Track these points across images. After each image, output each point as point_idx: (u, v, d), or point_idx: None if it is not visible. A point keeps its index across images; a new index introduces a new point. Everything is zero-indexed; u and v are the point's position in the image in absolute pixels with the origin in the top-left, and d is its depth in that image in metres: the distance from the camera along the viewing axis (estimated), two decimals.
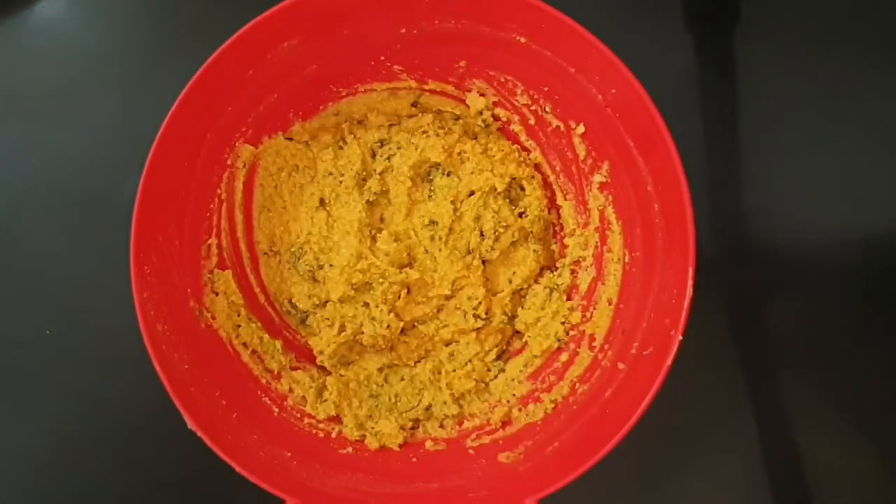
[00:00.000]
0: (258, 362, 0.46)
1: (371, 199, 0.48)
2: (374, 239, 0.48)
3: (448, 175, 0.48)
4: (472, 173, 0.47)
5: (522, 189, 0.49)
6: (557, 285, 0.48)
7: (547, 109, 0.46)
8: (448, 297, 0.48)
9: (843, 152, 0.51)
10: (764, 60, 0.52)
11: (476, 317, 0.48)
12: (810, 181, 0.51)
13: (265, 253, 0.49)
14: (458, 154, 0.47)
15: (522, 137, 0.48)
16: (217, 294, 0.46)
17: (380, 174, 0.48)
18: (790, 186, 0.51)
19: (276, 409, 0.46)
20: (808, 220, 0.51)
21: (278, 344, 0.47)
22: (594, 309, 0.46)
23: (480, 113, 0.48)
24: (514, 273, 0.48)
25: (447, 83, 0.47)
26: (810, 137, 0.51)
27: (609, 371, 0.43)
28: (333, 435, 0.46)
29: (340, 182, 0.48)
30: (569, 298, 0.48)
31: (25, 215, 0.52)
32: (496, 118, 0.48)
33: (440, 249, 0.47)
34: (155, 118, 0.40)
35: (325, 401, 0.47)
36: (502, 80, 0.46)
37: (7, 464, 0.49)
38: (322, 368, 0.48)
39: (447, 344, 0.48)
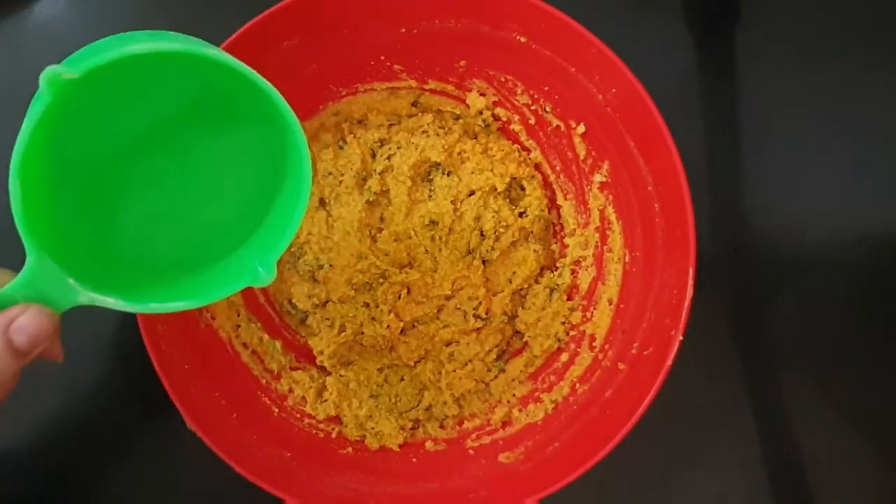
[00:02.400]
0: (258, 362, 0.46)
1: (371, 199, 0.48)
2: (374, 239, 0.48)
3: (448, 175, 0.48)
4: (472, 173, 0.47)
5: (522, 189, 0.49)
6: (558, 285, 0.48)
7: (547, 109, 0.46)
8: (448, 298, 0.48)
9: (843, 152, 0.51)
10: (764, 60, 0.52)
11: (476, 317, 0.48)
12: (810, 181, 0.51)
13: None
14: (459, 154, 0.47)
15: (522, 137, 0.48)
16: None
17: (380, 174, 0.48)
18: (790, 186, 0.51)
19: (276, 409, 0.46)
20: (808, 220, 0.51)
21: (278, 344, 0.47)
22: (594, 309, 0.46)
23: (480, 113, 0.48)
24: (514, 273, 0.48)
25: (447, 83, 0.47)
26: (810, 137, 0.51)
27: (609, 371, 0.43)
28: (333, 435, 0.46)
29: (340, 182, 0.48)
30: (569, 298, 0.48)
31: None
32: (496, 118, 0.48)
33: (440, 249, 0.47)
34: None
35: (325, 401, 0.47)
36: (502, 79, 0.46)
37: (4, 462, 0.49)
38: (322, 368, 0.48)
39: (447, 344, 0.48)
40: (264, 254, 0.32)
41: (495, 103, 0.48)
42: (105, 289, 0.29)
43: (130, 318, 0.40)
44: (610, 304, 0.45)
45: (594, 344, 0.45)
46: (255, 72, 0.29)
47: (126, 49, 0.26)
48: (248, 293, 0.47)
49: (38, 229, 0.28)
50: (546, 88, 0.45)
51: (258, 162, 0.34)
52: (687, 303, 0.38)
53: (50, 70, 0.25)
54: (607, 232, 0.46)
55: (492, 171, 0.47)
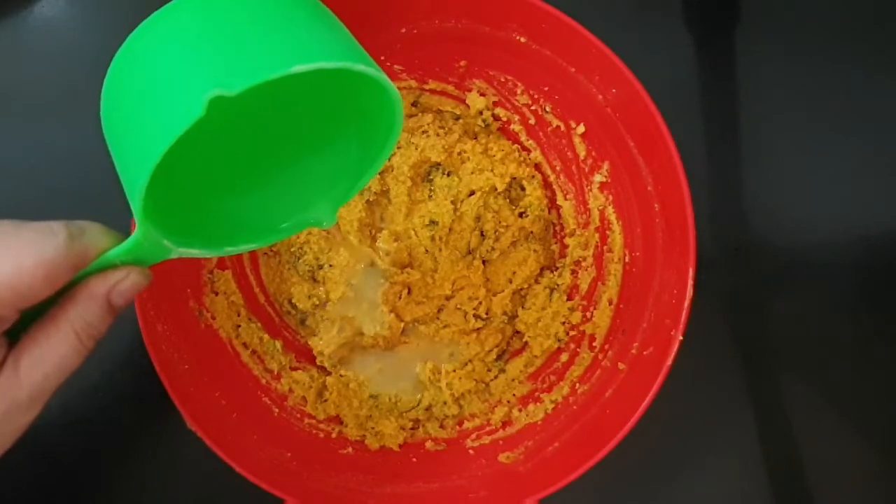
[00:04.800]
0: (258, 362, 0.46)
1: (371, 199, 0.48)
2: (374, 239, 0.48)
3: (448, 175, 0.48)
4: (472, 173, 0.47)
5: (523, 189, 0.49)
6: (558, 285, 0.48)
7: (547, 109, 0.46)
8: (448, 298, 0.48)
9: (843, 152, 0.51)
10: (764, 60, 0.52)
11: (476, 317, 0.48)
12: (810, 181, 0.51)
13: (265, 253, 0.49)
14: (459, 154, 0.47)
15: (522, 137, 0.48)
16: (217, 294, 0.46)
17: (380, 174, 0.48)
18: (790, 186, 0.51)
19: (276, 409, 0.46)
20: (808, 220, 0.51)
21: (278, 344, 0.47)
22: (594, 309, 0.46)
23: (480, 113, 0.48)
24: (514, 273, 0.48)
25: (447, 83, 0.47)
26: (811, 137, 0.51)
27: (609, 371, 0.43)
28: (333, 435, 0.46)
29: None
30: (569, 298, 0.48)
31: (25, 216, 0.52)
32: (496, 118, 0.48)
33: (440, 249, 0.47)
34: None
35: (326, 401, 0.47)
36: (502, 79, 0.46)
37: (3, 463, 0.49)
38: (322, 368, 0.48)
39: (447, 344, 0.48)
40: (329, 203, 0.35)
41: (495, 103, 0.48)
42: (189, 242, 0.31)
43: (131, 317, 0.40)
44: (610, 304, 0.45)
45: (594, 344, 0.45)
46: (382, 72, 0.30)
47: (291, 68, 0.26)
48: (248, 293, 0.47)
49: (147, 205, 0.29)
50: (546, 88, 0.45)
51: (340, 126, 0.35)
52: (687, 303, 0.38)
53: (215, 92, 0.25)
54: (607, 232, 0.46)
55: (492, 171, 0.47)
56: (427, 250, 0.48)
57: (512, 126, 0.48)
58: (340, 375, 0.47)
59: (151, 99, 0.27)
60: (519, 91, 0.46)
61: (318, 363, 0.48)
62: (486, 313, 0.48)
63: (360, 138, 0.35)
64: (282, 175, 0.36)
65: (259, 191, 0.36)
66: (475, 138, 0.48)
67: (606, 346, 0.45)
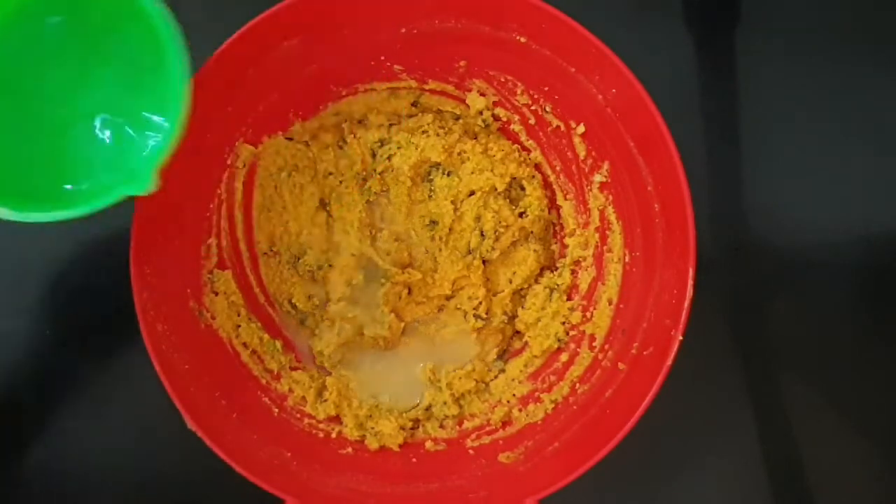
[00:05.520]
0: (258, 362, 0.46)
1: (371, 199, 0.48)
2: (374, 239, 0.48)
3: (448, 175, 0.48)
4: (472, 173, 0.47)
5: (523, 189, 0.49)
6: (558, 285, 0.48)
7: (547, 109, 0.46)
8: (448, 298, 0.48)
9: (843, 152, 0.51)
10: (765, 60, 0.52)
11: (476, 317, 0.48)
12: (810, 181, 0.51)
13: (265, 253, 0.49)
14: (459, 154, 0.47)
15: (522, 137, 0.48)
16: (217, 294, 0.46)
17: (380, 174, 0.48)
18: (790, 186, 0.51)
19: (276, 409, 0.46)
20: (808, 220, 0.51)
21: (278, 344, 0.47)
22: (594, 309, 0.46)
23: (480, 113, 0.48)
24: (514, 273, 0.48)
25: (447, 83, 0.47)
26: (811, 137, 0.51)
27: (609, 371, 0.43)
28: (333, 435, 0.46)
29: (341, 182, 0.48)
30: (569, 298, 0.48)
31: None
32: (496, 118, 0.48)
33: (440, 249, 0.47)
34: None
35: (325, 401, 0.47)
36: (502, 79, 0.46)
37: (4, 461, 0.49)
38: (322, 368, 0.48)
39: (447, 344, 0.48)
40: (143, 166, 0.35)
41: (495, 103, 0.48)
42: None
43: (130, 316, 0.40)
44: (610, 304, 0.45)
45: (594, 344, 0.45)
46: None
47: None
48: (248, 293, 0.47)
49: None
50: (546, 88, 0.45)
51: (132, 72, 0.36)
52: (687, 303, 0.38)
53: None
54: (607, 232, 0.46)
55: (492, 171, 0.47)
56: (427, 250, 0.48)
57: (512, 126, 0.48)
58: (340, 375, 0.47)
59: None
60: (519, 91, 0.46)
61: (317, 363, 0.48)
62: (486, 313, 0.48)
63: (157, 92, 0.35)
64: (79, 129, 0.36)
65: (55, 145, 0.36)
66: (475, 138, 0.48)
67: (606, 346, 0.45)
